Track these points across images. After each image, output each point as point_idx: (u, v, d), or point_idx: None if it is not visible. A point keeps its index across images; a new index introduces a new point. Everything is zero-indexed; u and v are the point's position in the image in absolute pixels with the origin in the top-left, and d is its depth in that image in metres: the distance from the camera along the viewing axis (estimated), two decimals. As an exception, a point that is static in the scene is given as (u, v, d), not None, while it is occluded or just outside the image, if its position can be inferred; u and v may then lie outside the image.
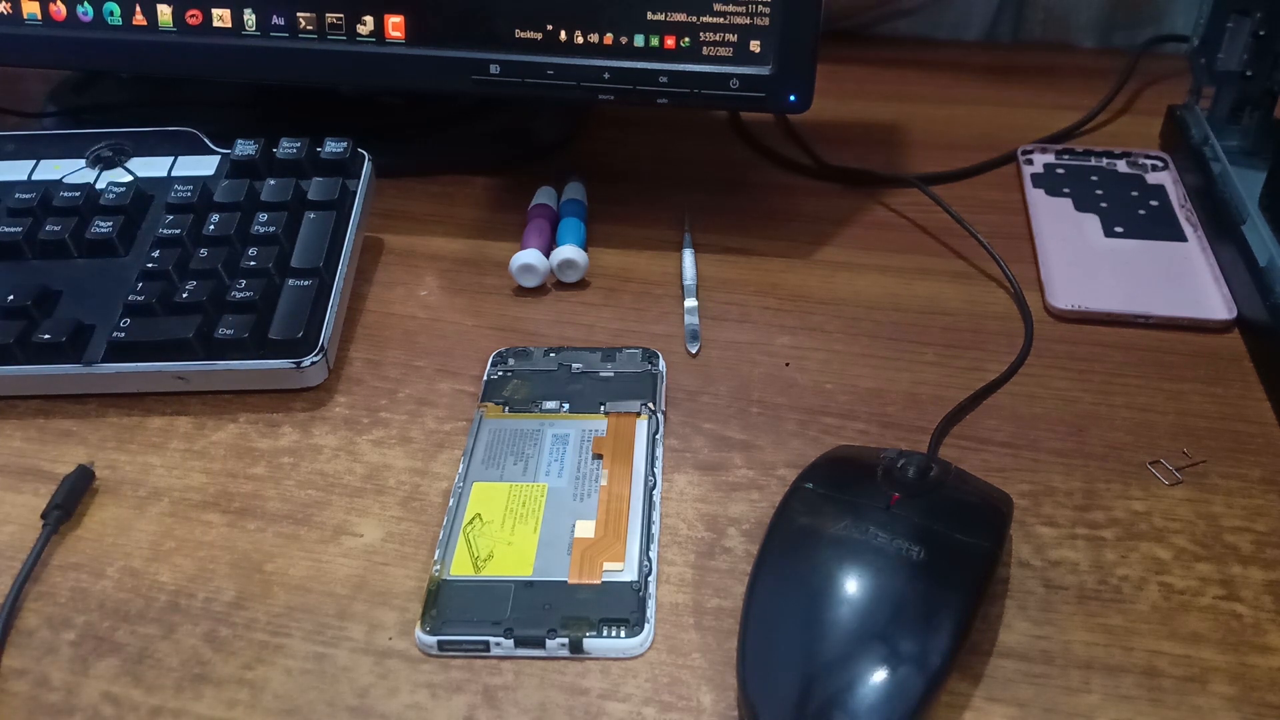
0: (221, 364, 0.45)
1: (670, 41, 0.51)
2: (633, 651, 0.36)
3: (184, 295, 0.46)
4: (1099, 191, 0.59)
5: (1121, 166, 0.61)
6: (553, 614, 0.36)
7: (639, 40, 0.51)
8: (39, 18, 0.56)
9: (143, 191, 0.52)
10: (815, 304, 0.52)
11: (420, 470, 0.43)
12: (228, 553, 0.40)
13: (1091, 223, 0.57)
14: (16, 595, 0.38)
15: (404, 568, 0.39)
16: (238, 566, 0.39)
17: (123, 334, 0.45)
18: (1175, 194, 0.59)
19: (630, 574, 0.37)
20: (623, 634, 0.36)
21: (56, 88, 0.69)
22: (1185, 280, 0.52)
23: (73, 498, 0.41)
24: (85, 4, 0.55)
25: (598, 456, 0.42)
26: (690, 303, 0.52)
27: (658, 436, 0.43)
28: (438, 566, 0.38)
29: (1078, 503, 0.41)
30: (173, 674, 0.35)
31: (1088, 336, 0.50)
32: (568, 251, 0.52)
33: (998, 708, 0.34)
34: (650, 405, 0.44)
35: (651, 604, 0.37)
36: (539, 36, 0.51)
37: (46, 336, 0.45)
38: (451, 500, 0.41)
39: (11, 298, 0.46)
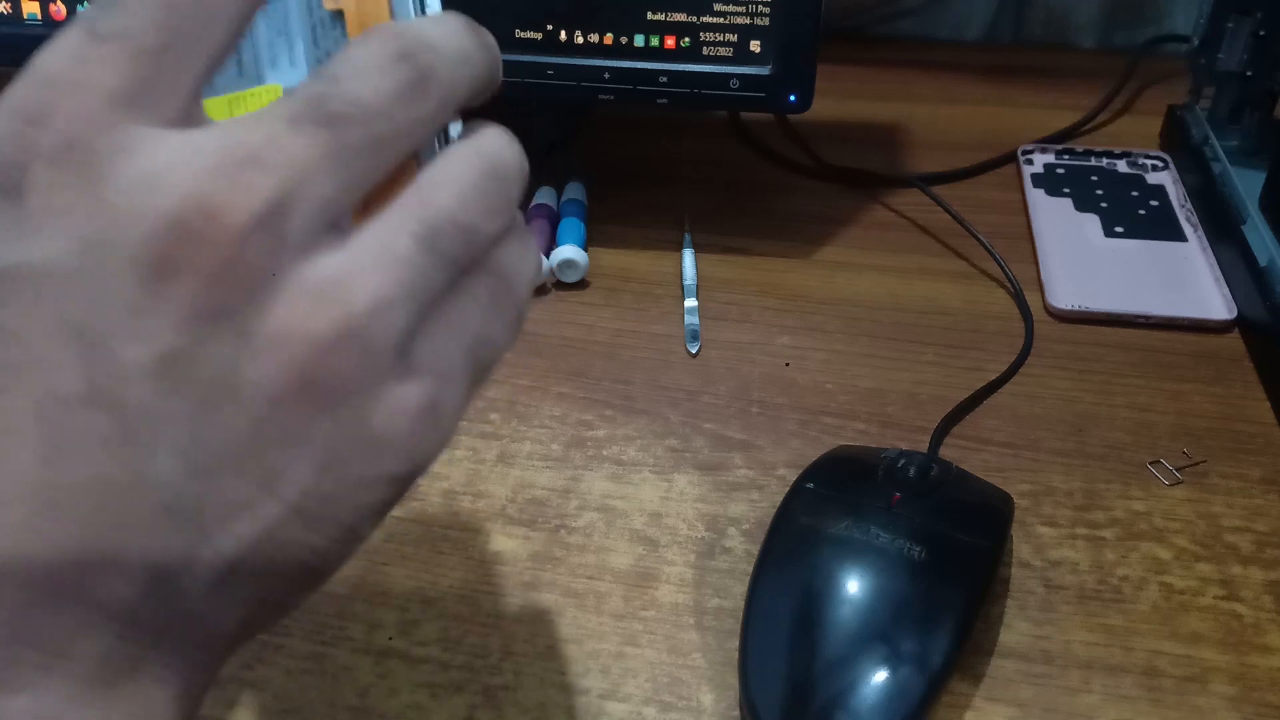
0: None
1: (670, 41, 0.51)
2: None
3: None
4: (1099, 191, 0.59)
5: (1121, 166, 0.61)
6: None
7: (639, 40, 0.51)
8: (39, 18, 0.56)
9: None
10: (815, 304, 0.52)
11: (420, 470, 0.43)
12: (228, 553, 0.40)
13: (1091, 223, 0.57)
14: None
15: (404, 567, 0.39)
16: (238, 566, 0.39)
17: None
18: (1175, 194, 0.59)
19: None
20: None
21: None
22: (1185, 280, 0.52)
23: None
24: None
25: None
26: (690, 303, 0.52)
27: None
28: None
29: (1078, 503, 0.41)
30: (173, 674, 0.35)
31: (1088, 336, 0.50)
32: (568, 251, 0.52)
33: (998, 708, 0.34)
34: None
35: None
36: (539, 36, 0.51)
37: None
38: None
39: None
